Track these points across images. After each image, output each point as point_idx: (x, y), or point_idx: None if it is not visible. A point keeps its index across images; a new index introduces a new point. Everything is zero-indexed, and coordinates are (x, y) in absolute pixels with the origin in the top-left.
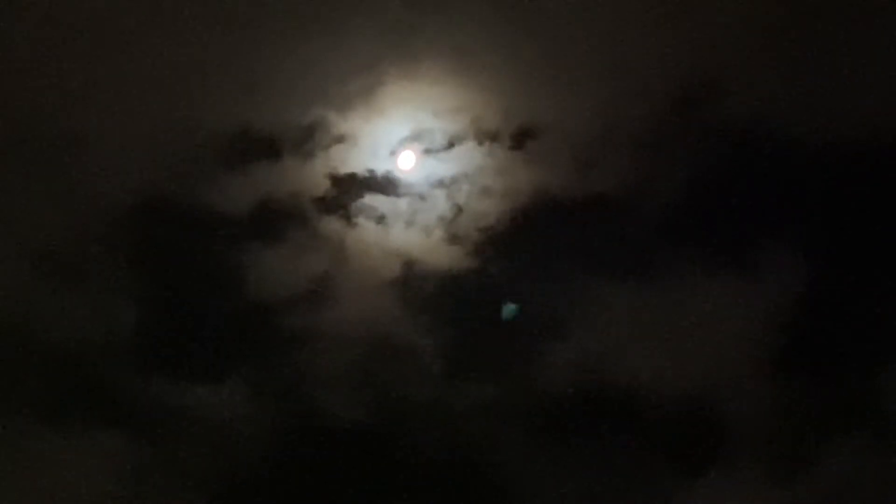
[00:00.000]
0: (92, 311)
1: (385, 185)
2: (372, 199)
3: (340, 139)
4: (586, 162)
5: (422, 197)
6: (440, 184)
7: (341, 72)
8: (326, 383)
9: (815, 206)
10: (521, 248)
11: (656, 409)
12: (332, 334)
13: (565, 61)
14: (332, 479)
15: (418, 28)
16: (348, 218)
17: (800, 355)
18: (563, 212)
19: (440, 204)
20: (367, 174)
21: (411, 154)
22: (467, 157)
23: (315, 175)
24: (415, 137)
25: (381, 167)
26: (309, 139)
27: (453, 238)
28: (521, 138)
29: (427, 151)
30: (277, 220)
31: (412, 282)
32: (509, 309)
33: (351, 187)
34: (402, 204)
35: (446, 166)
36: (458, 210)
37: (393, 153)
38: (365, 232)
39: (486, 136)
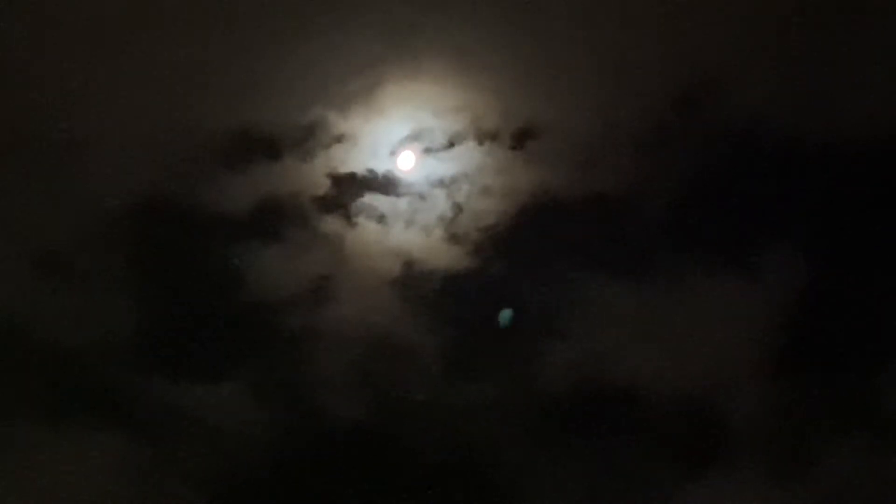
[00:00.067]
0: (92, 311)
1: (385, 184)
2: (372, 199)
3: (340, 139)
4: (586, 162)
5: (422, 196)
6: (440, 183)
7: (341, 71)
8: (326, 383)
9: (815, 206)
10: (522, 247)
11: (656, 409)
12: (332, 334)
13: (565, 61)
14: (331, 478)
15: (418, 28)
16: (348, 217)
17: (800, 355)
18: (563, 211)
19: (440, 203)
20: (367, 174)
21: (411, 154)
22: (467, 157)
23: (315, 175)
24: (415, 137)
25: (381, 167)
26: (309, 139)
27: (453, 238)
28: (521, 138)
29: (427, 151)
30: (277, 219)
31: (412, 281)
32: (506, 315)
33: (351, 187)
34: (403, 203)
35: (446, 166)
36: (459, 210)
37: (393, 153)
38: (365, 231)
39: (486, 136)
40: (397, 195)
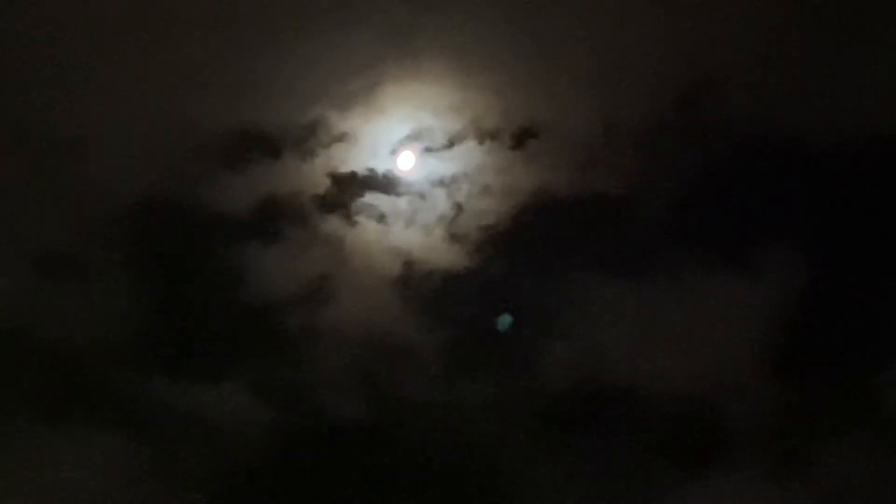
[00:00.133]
0: (92, 310)
1: (385, 184)
2: (372, 198)
3: (341, 138)
4: (587, 161)
5: (422, 196)
6: (440, 183)
7: (342, 71)
8: (326, 382)
9: (816, 206)
10: (522, 247)
11: (656, 409)
12: (333, 333)
13: (566, 61)
14: (332, 478)
15: (419, 27)
16: (349, 217)
17: (800, 355)
18: (563, 211)
19: (440, 203)
20: (367, 173)
21: (411, 153)
22: (468, 157)
23: (315, 174)
24: (415, 136)
25: (381, 166)
26: (309, 138)
27: (453, 237)
28: (521, 137)
29: (427, 150)
30: (278, 219)
31: (412, 281)
32: (505, 321)
33: (351, 186)
34: (403, 203)
35: (446, 165)
36: (459, 209)
37: (393, 152)
38: (365, 231)
39: (486, 135)
40: (397, 195)
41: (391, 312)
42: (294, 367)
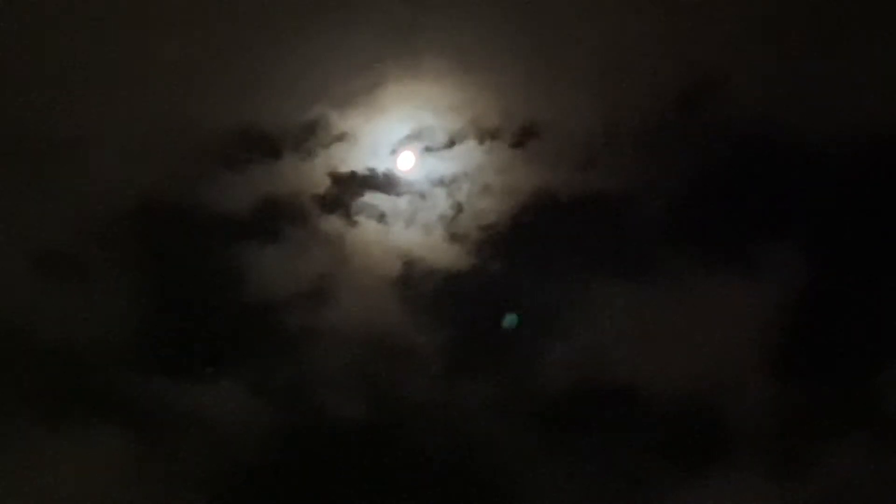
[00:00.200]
0: (92, 311)
1: (385, 183)
2: (372, 198)
3: (341, 137)
4: (587, 160)
5: (422, 195)
6: (441, 182)
7: (342, 70)
8: (326, 382)
9: (817, 206)
10: (522, 246)
11: (656, 409)
12: (333, 333)
13: (566, 60)
14: (332, 478)
15: (419, 27)
16: (349, 216)
17: (800, 355)
18: (563, 210)
19: (441, 202)
20: (367, 173)
21: (412, 153)
22: (468, 156)
23: (315, 174)
24: (415, 136)
25: (381, 166)
26: (309, 138)
27: (454, 237)
28: (521, 137)
29: (427, 150)
30: (278, 218)
31: (413, 280)
32: (510, 318)
33: (351, 186)
34: (403, 202)
35: (447, 165)
36: (459, 209)
37: (393, 152)
38: (365, 231)
39: (486, 135)
40: (398, 194)
41: (391, 312)
42: (294, 366)
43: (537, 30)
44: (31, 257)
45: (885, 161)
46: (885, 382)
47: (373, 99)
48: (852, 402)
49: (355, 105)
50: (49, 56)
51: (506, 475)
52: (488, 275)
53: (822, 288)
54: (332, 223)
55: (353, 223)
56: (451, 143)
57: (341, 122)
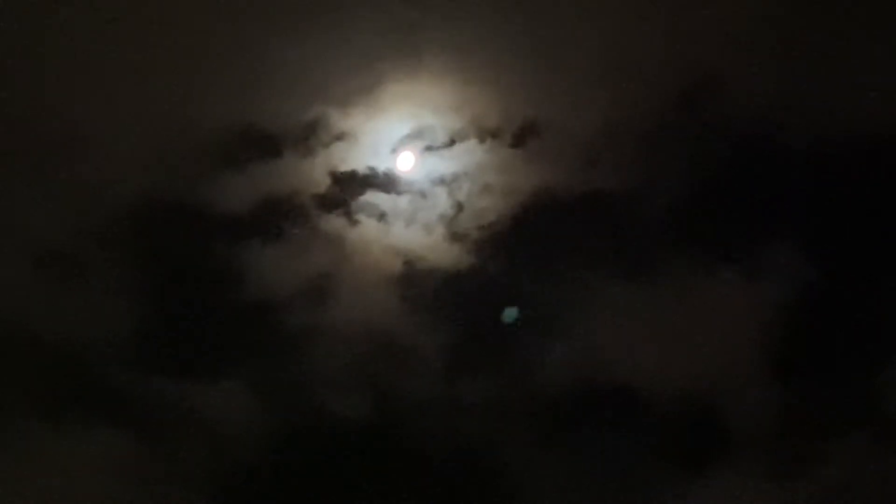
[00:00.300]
0: (92, 309)
1: (386, 182)
2: (373, 197)
3: (341, 137)
4: (588, 159)
5: (423, 194)
6: (441, 181)
7: (342, 69)
8: (327, 381)
9: (817, 206)
10: (522, 245)
11: (656, 408)
12: (333, 332)
13: (567, 59)
14: (332, 476)
15: (419, 25)
16: (349, 216)
17: (800, 355)
18: (564, 209)
19: (441, 201)
20: (367, 172)
21: (412, 152)
22: (468, 155)
23: (316, 173)
24: (416, 135)
25: (381, 165)
26: (310, 137)
27: (454, 236)
28: (522, 136)
29: (428, 149)
30: (278, 217)
31: (413, 279)
32: (510, 313)
33: (352, 185)
34: (403, 201)
35: (447, 164)
36: (459, 208)
37: (394, 151)
38: (366, 230)
39: (487, 134)
40: (398, 193)
41: (391, 311)
42: (294, 365)
43: (537, 29)
44: (31, 257)
45: (884, 161)
46: (885, 382)
47: (373, 98)
48: (852, 402)
49: (356, 104)
50: (49, 56)
51: (506, 474)
52: (488, 274)
53: (822, 288)
54: (332, 222)
55: (354, 222)
56: (451, 143)
57: (342, 121)
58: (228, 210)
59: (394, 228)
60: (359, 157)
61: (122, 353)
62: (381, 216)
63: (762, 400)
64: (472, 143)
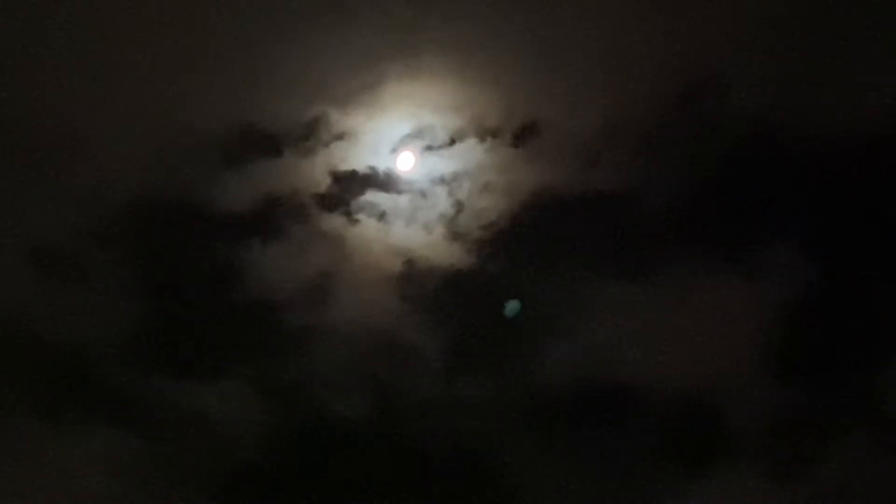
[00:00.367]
0: (92, 310)
1: (386, 182)
2: (373, 196)
3: (341, 136)
4: (588, 159)
5: (423, 194)
6: (441, 181)
7: (342, 68)
8: (327, 381)
9: (819, 205)
10: (523, 245)
11: (657, 408)
12: (333, 331)
13: (568, 58)
14: (332, 476)
15: (420, 24)
16: (349, 215)
17: (800, 355)
18: (564, 209)
19: (441, 201)
20: (368, 171)
21: (412, 151)
22: (469, 154)
23: (316, 172)
24: (416, 134)
25: (382, 164)
26: (310, 136)
27: (454, 235)
28: (522, 135)
29: (428, 148)
30: (278, 217)
31: (413, 279)
32: (512, 307)
33: (352, 184)
34: (404, 201)
35: (447, 163)
36: (460, 207)
37: (394, 150)
38: (366, 229)
39: (487, 133)
40: (398, 193)
41: (392, 310)
42: (294, 365)
43: (538, 29)
44: (30, 256)
45: (885, 161)
46: (885, 382)
47: (373, 97)
48: (852, 402)
49: (356, 104)
50: (48, 55)
51: (506, 474)
52: (489, 273)
53: (822, 288)
54: (332, 222)
55: (354, 221)
56: (451, 142)
57: (342, 120)
58: (228, 210)
59: (394, 228)
60: (359, 156)
61: (122, 352)
62: (382, 215)
63: (762, 400)
64: (472, 143)
